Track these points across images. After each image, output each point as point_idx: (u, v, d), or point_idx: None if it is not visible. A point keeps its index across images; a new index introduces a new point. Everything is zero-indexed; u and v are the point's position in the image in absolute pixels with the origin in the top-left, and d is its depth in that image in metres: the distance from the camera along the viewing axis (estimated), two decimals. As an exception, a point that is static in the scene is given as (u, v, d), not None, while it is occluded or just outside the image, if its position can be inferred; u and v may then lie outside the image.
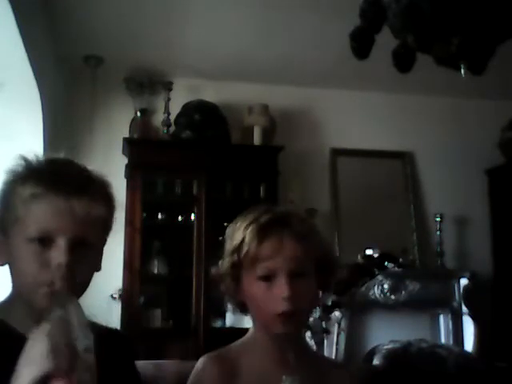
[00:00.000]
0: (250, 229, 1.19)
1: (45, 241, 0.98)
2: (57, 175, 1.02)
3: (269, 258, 1.16)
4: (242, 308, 1.25)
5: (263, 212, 1.22)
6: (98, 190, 1.06)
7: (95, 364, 0.86)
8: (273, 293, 1.16)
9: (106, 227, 1.08)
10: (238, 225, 1.23)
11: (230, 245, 1.22)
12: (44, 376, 0.79)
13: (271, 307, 1.16)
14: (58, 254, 0.97)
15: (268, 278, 1.17)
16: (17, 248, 1.00)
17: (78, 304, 0.91)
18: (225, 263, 1.23)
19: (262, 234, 1.18)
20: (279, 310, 1.15)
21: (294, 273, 1.17)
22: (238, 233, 1.21)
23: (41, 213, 0.99)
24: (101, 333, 1.20)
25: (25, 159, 1.04)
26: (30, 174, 1.02)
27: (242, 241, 1.19)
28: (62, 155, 1.10)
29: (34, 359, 0.81)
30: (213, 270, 1.27)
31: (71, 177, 1.03)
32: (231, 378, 1.17)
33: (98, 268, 1.09)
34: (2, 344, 0.99)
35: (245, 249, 1.18)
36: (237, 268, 1.20)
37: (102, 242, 1.09)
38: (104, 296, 3.84)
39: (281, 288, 1.15)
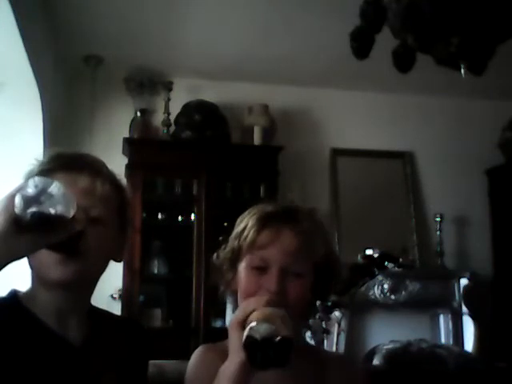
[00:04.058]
0: (253, 216, 1.16)
1: None
2: (62, 155, 1.10)
3: (264, 247, 1.11)
4: (236, 298, 1.19)
5: (271, 204, 1.20)
6: (104, 172, 1.10)
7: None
8: (261, 285, 1.09)
9: (116, 209, 1.10)
10: (246, 213, 1.20)
11: (233, 232, 1.19)
12: None
13: None
14: None
15: (261, 269, 1.11)
16: None
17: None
18: (226, 249, 1.20)
19: (262, 222, 1.13)
20: None
21: (289, 270, 1.10)
22: (243, 220, 1.18)
23: None
24: (118, 321, 1.24)
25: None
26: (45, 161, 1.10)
27: (244, 227, 1.15)
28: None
29: None
30: (213, 257, 1.23)
31: (76, 157, 1.11)
32: None
33: (112, 252, 1.10)
34: (25, 332, 1.02)
35: (244, 234, 1.14)
36: (235, 255, 1.16)
37: (114, 223, 1.09)
38: (104, 296, 3.84)
39: (270, 281, 1.08)
